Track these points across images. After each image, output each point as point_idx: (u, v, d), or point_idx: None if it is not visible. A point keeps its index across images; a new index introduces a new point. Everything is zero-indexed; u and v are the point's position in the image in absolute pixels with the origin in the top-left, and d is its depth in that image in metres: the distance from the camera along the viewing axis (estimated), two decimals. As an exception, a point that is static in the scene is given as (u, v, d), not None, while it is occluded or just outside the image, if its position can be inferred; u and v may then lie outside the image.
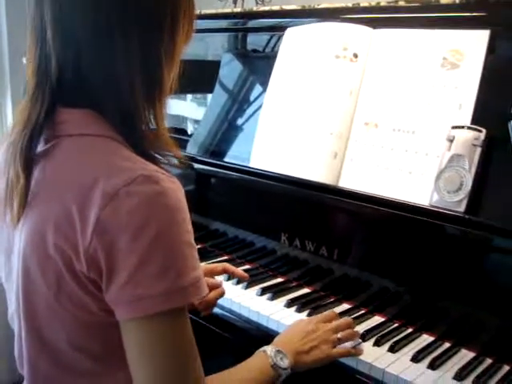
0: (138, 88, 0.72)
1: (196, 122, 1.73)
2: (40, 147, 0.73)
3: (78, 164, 0.71)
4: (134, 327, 0.69)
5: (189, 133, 1.72)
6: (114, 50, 0.71)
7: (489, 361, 1.00)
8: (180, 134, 1.65)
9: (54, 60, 0.71)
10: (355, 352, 1.00)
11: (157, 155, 0.76)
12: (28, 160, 0.72)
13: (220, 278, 1.21)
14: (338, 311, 1.10)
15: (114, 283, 0.67)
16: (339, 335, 0.99)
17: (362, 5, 1.31)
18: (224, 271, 1.19)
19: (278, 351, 0.91)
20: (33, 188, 0.72)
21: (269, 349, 0.91)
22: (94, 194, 0.66)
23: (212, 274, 1.16)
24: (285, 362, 0.90)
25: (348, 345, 1.01)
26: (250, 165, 1.36)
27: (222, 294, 1.13)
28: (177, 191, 0.69)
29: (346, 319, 1.05)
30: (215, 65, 1.59)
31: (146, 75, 0.73)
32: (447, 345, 1.05)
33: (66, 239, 0.68)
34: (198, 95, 1.76)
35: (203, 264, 1.21)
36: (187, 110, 1.79)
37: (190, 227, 0.71)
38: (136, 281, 0.66)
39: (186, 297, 0.69)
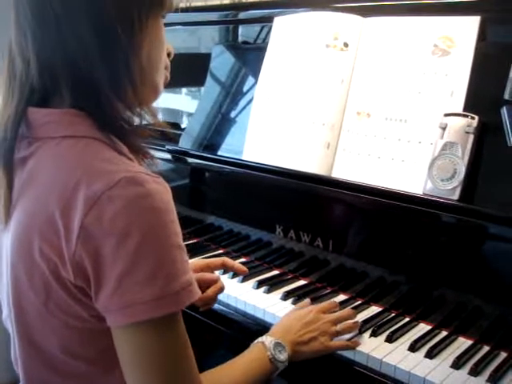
0: (101, 76, 0.68)
1: (190, 115, 1.72)
2: (23, 149, 0.71)
3: (60, 167, 0.68)
4: (126, 334, 0.67)
5: (182, 127, 1.71)
6: (63, 32, 0.67)
7: (486, 348, 1.00)
8: (174, 128, 1.64)
9: (31, 42, 0.68)
10: (353, 345, 0.99)
11: (145, 146, 0.74)
12: (8, 161, 0.70)
13: (216, 272, 1.20)
14: (334, 302, 1.10)
15: (103, 291, 0.65)
16: (338, 328, 0.99)
17: (351, -7, 1.30)
18: (223, 265, 1.15)
19: (277, 343, 0.90)
20: (18, 190, 0.71)
21: (267, 340, 0.90)
22: (76, 199, 0.64)
23: (210, 268, 1.13)
24: (283, 355, 0.89)
25: (347, 337, 1.00)
26: (243, 158, 1.36)
27: (221, 290, 1.09)
28: (162, 192, 0.67)
29: (347, 310, 1.05)
30: (206, 58, 1.57)
31: (109, 63, 0.68)
32: (444, 333, 1.04)
33: (51, 245, 0.66)
34: (193, 88, 1.75)
35: (198, 258, 1.20)
36: (181, 103, 1.77)
37: (178, 229, 0.68)
38: (125, 288, 0.64)
39: (178, 302, 0.67)
